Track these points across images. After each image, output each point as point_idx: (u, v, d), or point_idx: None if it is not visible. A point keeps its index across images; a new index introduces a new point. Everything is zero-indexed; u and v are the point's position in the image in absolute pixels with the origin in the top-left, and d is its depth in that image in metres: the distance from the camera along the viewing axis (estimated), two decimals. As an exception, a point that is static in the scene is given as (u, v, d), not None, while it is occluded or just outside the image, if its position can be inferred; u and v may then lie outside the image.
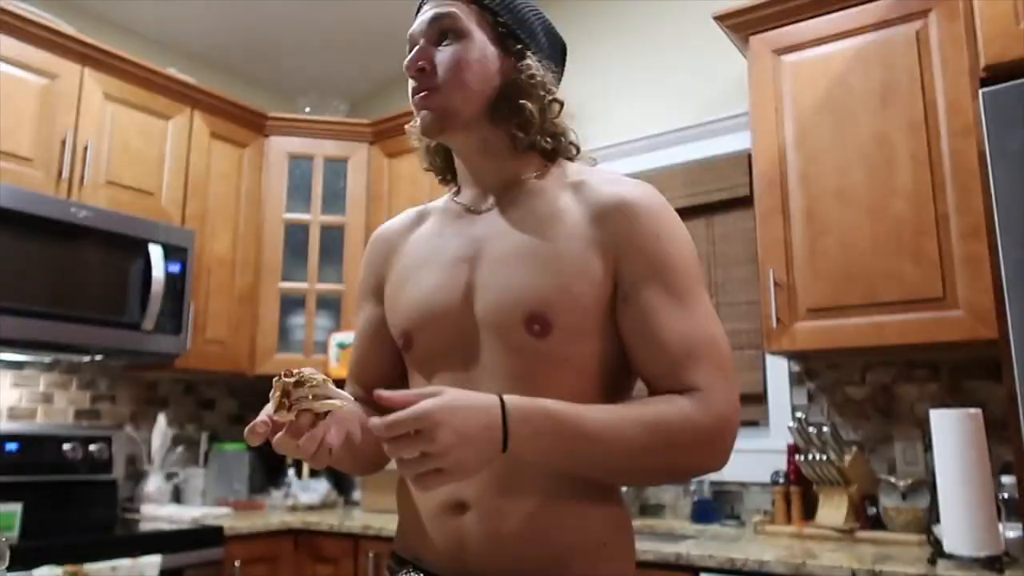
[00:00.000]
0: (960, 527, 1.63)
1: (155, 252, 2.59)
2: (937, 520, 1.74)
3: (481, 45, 1.03)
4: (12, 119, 2.39)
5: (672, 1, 2.95)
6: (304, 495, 2.95)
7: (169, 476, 2.92)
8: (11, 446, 2.50)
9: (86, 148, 2.56)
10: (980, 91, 1.60)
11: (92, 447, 2.68)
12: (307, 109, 3.48)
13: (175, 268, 2.67)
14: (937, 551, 1.67)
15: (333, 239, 3.21)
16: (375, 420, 0.78)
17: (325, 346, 3.09)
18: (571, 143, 1.10)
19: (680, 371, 0.91)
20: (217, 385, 3.32)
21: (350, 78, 3.79)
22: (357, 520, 2.58)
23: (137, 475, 2.89)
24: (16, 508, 2.21)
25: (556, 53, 1.21)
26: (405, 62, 1.04)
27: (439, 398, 0.79)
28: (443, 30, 1.03)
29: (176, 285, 2.67)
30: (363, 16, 3.35)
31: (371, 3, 3.26)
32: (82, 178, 2.55)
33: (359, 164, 3.27)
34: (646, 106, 2.97)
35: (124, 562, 2.09)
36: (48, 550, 2.02)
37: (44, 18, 2.51)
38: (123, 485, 2.81)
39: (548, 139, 1.06)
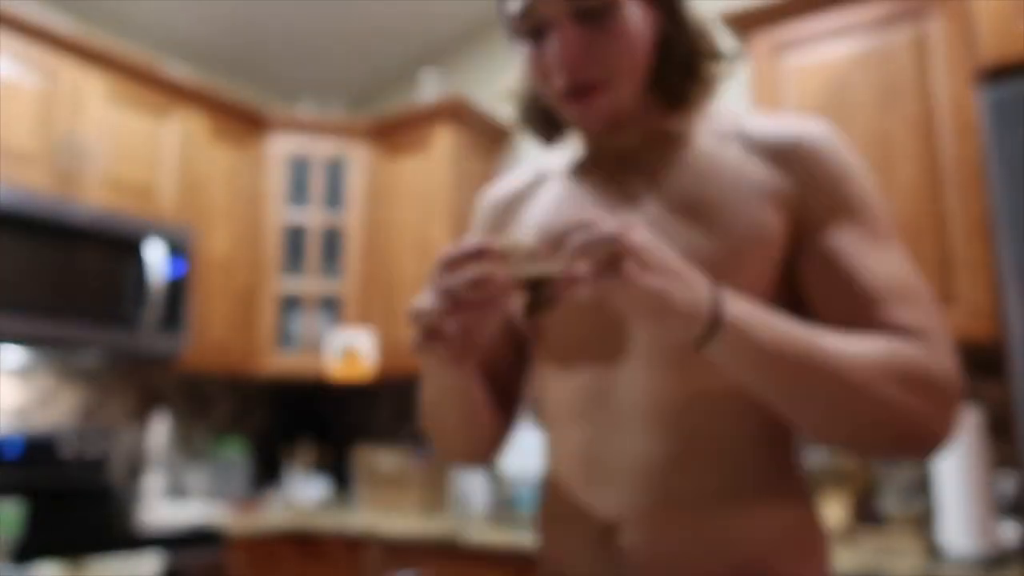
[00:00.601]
0: (959, 526, 1.63)
1: (154, 251, 2.59)
2: (936, 519, 1.75)
3: (632, 7, 0.84)
4: (11, 118, 2.39)
5: (672, 0, 2.95)
6: (304, 494, 2.95)
7: (168, 475, 2.91)
8: (11, 445, 2.50)
9: (85, 147, 2.56)
10: (981, 90, 1.60)
11: (91, 446, 2.68)
12: (306, 108, 3.48)
13: (174, 267, 2.67)
14: (937, 550, 1.67)
15: (332, 238, 3.21)
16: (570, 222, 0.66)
17: (325, 346, 3.09)
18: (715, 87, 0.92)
19: (884, 311, 0.76)
20: (216, 384, 3.31)
21: (350, 77, 3.79)
22: (357, 519, 2.58)
23: (136, 474, 2.89)
24: (16, 507, 2.21)
25: None
26: (550, 52, 0.84)
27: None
28: (588, 4, 0.82)
29: (175, 284, 2.67)
30: (363, 15, 3.35)
31: (371, 1, 3.26)
32: (81, 177, 2.54)
33: (359, 163, 3.26)
34: (646, 105, 2.97)
35: (123, 561, 2.09)
36: (47, 549, 2.02)
37: (43, 17, 2.51)
38: (122, 484, 2.80)
39: (704, 89, 0.90)
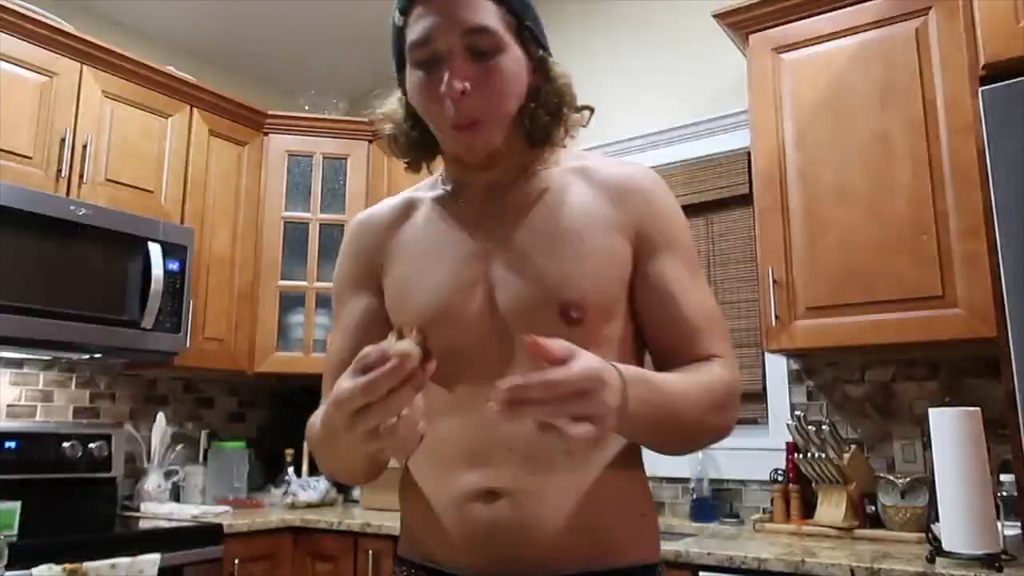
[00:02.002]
0: (959, 525, 1.63)
1: (154, 250, 2.59)
2: (936, 518, 1.75)
3: (515, 55, 0.96)
4: (11, 117, 2.39)
5: (672, 0, 2.95)
6: (303, 493, 2.95)
7: (168, 474, 2.92)
8: (10, 444, 2.50)
9: (85, 146, 2.56)
10: (980, 90, 1.60)
11: (91, 445, 2.68)
12: (306, 107, 3.48)
13: (174, 266, 2.67)
14: (936, 549, 1.67)
15: (332, 237, 3.20)
16: (524, 378, 0.70)
17: (324, 345, 3.09)
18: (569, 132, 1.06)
19: (702, 340, 0.97)
20: (216, 383, 3.31)
21: (349, 76, 3.78)
22: (356, 518, 2.59)
23: (136, 473, 2.89)
24: (15, 506, 2.21)
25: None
26: (442, 82, 0.92)
27: (591, 356, 0.74)
28: (480, 44, 0.93)
29: (175, 283, 2.67)
30: (362, 14, 3.35)
31: (370, 1, 3.26)
32: (81, 176, 2.54)
33: (358, 162, 3.27)
34: (645, 104, 2.97)
35: (123, 560, 2.09)
36: (47, 548, 2.02)
37: (43, 16, 2.51)
38: (122, 483, 2.81)
39: (566, 135, 1.03)
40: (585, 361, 0.73)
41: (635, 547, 0.97)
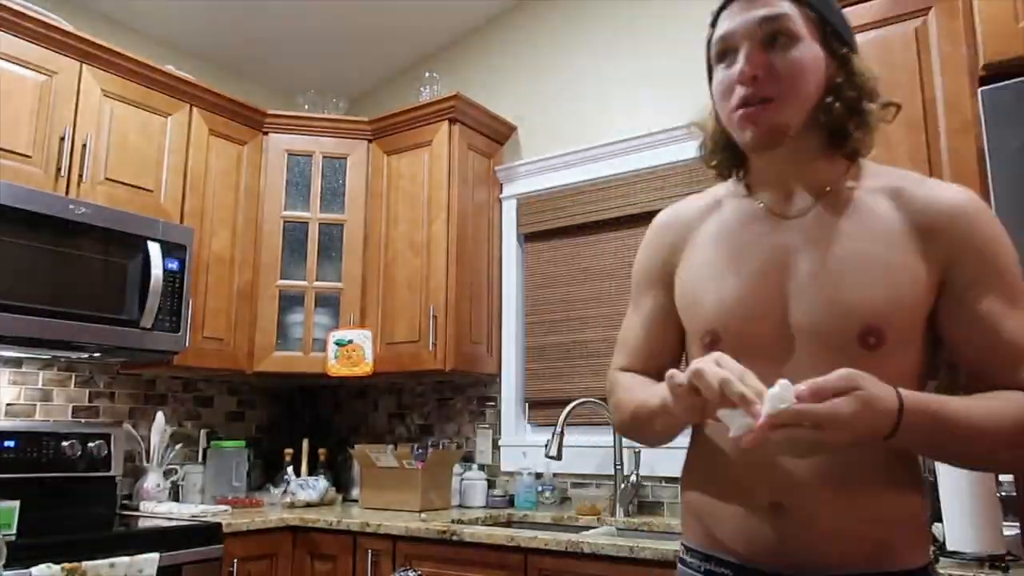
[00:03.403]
0: (963, 525, 1.63)
1: (154, 249, 2.59)
2: (938, 518, 1.75)
3: (813, 48, 1.01)
4: (10, 115, 2.39)
5: (672, 0, 2.95)
6: (302, 492, 2.95)
7: (168, 473, 2.92)
8: (9, 443, 2.50)
9: (84, 145, 2.56)
10: (979, 89, 1.60)
11: (90, 444, 2.68)
12: (306, 107, 3.48)
13: (174, 265, 2.67)
14: (939, 549, 1.67)
15: (332, 237, 3.20)
16: (805, 385, 0.82)
17: (324, 344, 3.09)
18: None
19: (1018, 370, 0.95)
20: (216, 383, 3.31)
21: (349, 75, 3.79)
22: (355, 517, 2.59)
23: (136, 472, 2.89)
24: (14, 505, 2.21)
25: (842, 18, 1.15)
26: (735, 69, 0.99)
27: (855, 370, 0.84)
28: (774, 32, 0.99)
29: (175, 282, 2.67)
30: (362, 13, 3.35)
31: (371, 1, 3.26)
32: (80, 175, 2.54)
33: (358, 162, 3.26)
34: (645, 104, 2.97)
35: (122, 559, 2.09)
36: (46, 547, 2.02)
37: (42, 14, 2.51)
38: (121, 482, 2.80)
39: (866, 135, 1.05)
40: (847, 372, 0.83)
41: (910, 553, 1.00)
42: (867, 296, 0.95)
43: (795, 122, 1.00)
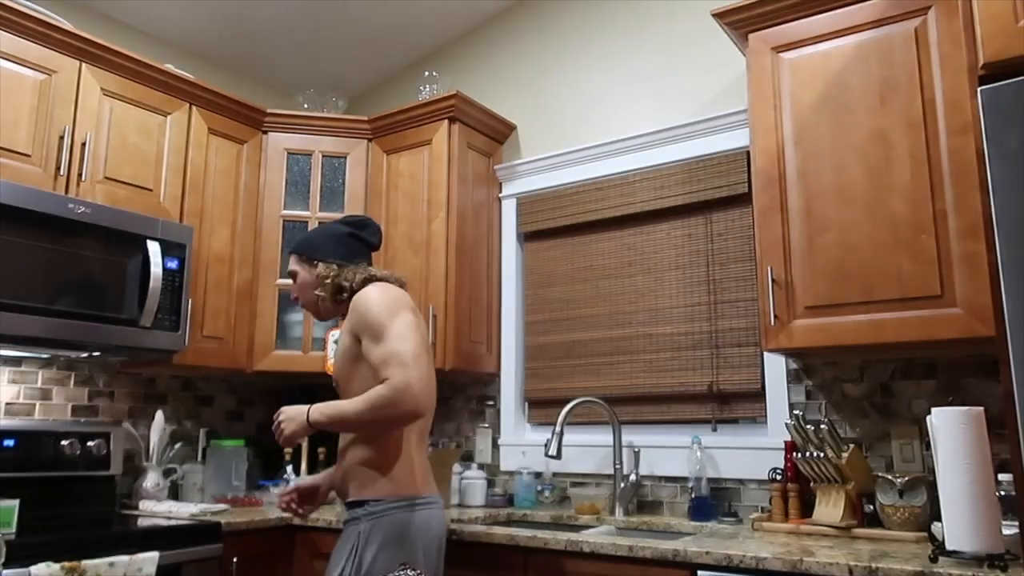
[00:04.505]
0: (963, 525, 1.63)
1: (153, 248, 2.59)
2: (936, 518, 1.74)
3: (304, 274, 2.13)
4: (10, 114, 2.39)
5: (671, 0, 2.95)
6: (302, 491, 2.94)
7: (167, 472, 2.91)
8: (8, 442, 2.50)
9: (84, 144, 2.56)
10: (979, 89, 1.60)
11: (90, 443, 2.68)
12: (305, 105, 3.48)
13: (173, 264, 2.67)
14: (939, 548, 1.67)
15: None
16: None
17: (323, 343, 3.09)
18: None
19: (381, 373, 1.81)
20: (215, 381, 3.31)
21: (348, 74, 3.79)
22: (355, 517, 2.58)
23: (135, 471, 2.89)
24: (13, 504, 2.21)
25: (340, 244, 2.12)
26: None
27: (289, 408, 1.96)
28: (291, 274, 2.17)
29: (174, 281, 2.67)
30: (361, 12, 3.35)
31: (371, 1, 3.26)
32: (80, 174, 2.54)
33: (357, 160, 3.26)
34: (645, 103, 2.97)
35: (122, 558, 2.09)
36: (45, 546, 2.02)
37: (42, 13, 2.50)
38: (121, 481, 2.81)
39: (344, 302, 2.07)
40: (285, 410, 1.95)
41: (362, 489, 1.94)
42: (338, 366, 2.04)
43: (318, 308, 2.14)
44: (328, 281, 2.05)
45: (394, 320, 1.86)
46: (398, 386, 1.76)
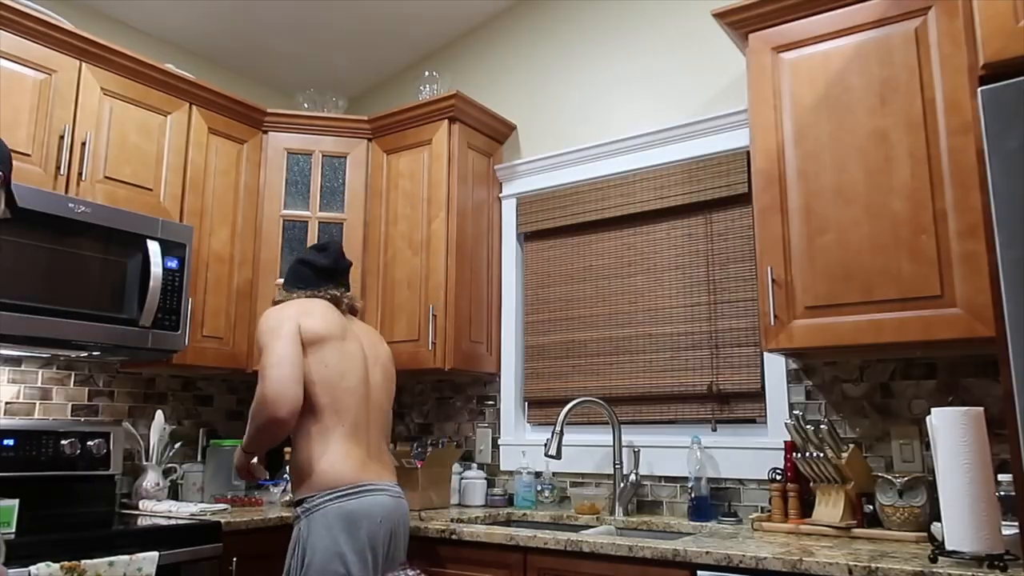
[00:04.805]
0: (963, 525, 1.63)
1: (153, 248, 2.59)
2: (936, 518, 1.74)
3: None
4: (10, 114, 2.39)
5: (671, 0, 2.95)
6: (302, 491, 2.94)
7: (167, 472, 2.91)
8: (8, 442, 2.49)
9: (84, 143, 2.56)
10: (979, 89, 1.60)
11: (90, 443, 2.68)
12: (305, 105, 3.48)
13: (173, 264, 2.67)
14: (939, 549, 1.67)
15: (331, 236, 3.20)
16: None
17: (323, 342, 3.08)
18: None
19: None
20: (215, 381, 3.31)
21: (348, 74, 3.79)
22: (355, 516, 2.58)
23: (135, 471, 2.89)
24: (13, 504, 2.21)
25: (291, 272, 2.33)
26: None
27: None
28: None
29: (174, 281, 2.67)
30: (361, 12, 3.35)
31: (371, 1, 3.26)
32: (80, 173, 2.54)
33: (357, 160, 3.26)
34: (645, 103, 2.97)
35: (122, 558, 2.08)
36: (45, 546, 2.02)
37: (42, 12, 2.50)
38: (121, 481, 2.80)
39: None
40: None
41: (298, 488, 2.07)
42: None
43: None
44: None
45: (269, 336, 2.05)
46: (256, 399, 1.99)
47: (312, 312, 2.14)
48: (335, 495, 1.99)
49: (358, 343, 2.23)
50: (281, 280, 2.35)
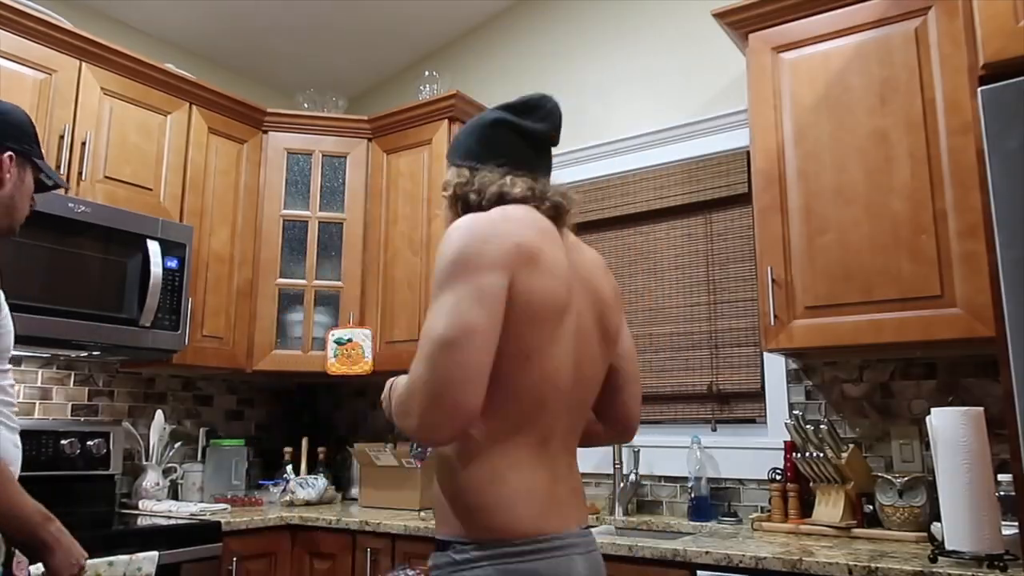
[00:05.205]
0: (963, 525, 1.63)
1: (153, 248, 2.59)
2: (936, 518, 1.74)
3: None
4: (10, 114, 2.38)
5: (671, 0, 2.95)
6: (302, 491, 2.95)
7: (167, 472, 2.91)
8: (8, 441, 2.49)
9: (84, 143, 2.56)
10: (979, 89, 1.60)
11: (89, 443, 2.68)
12: (305, 105, 3.47)
13: (173, 264, 2.67)
14: (938, 548, 1.67)
15: (331, 235, 3.20)
16: None
17: (323, 343, 3.09)
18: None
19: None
20: (215, 381, 3.31)
21: (348, 74, 3.78)
22: (354, 516, 2.59)
23: (135, 471, 2.89)
24: (13, 503, 2.21)
25: (481, 137, 1.38)
26: None
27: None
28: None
29: (174, 281, 2.67)
30: (361, 12, 3.35)
31: (371, 1, 3.26)
32: (80, 173, 2.54)
33: (357, 160, 3.26)
34: (645, 103, 2.97)
35: (122, 557, 2.08)
36: (45, 545, 2.02)
37: (42, 12, 2.50)
38: (121, 481, 2.80)
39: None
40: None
41: (440, 527, 1.28)
42: None
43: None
44: (447, 194, 1.38)
45: (454, 277, 1.18)
46: (410, 388, 1.21)
47: (542, 252, 1.23)
48: (505, 553, 1.19)
49: (578, 303, 1.32)
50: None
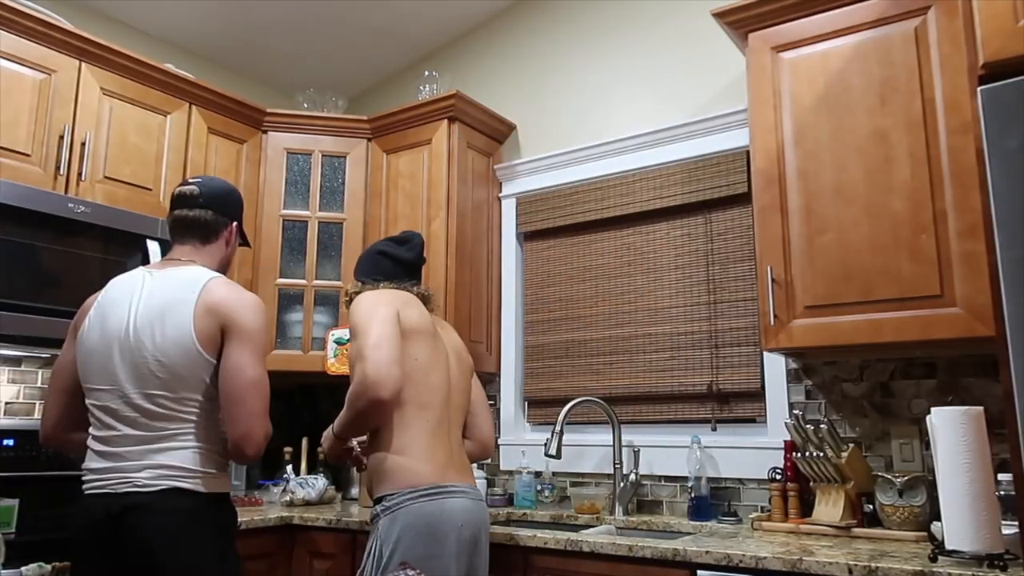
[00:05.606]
0: (962, 524, 1.63)
1: (153, 248, 2.59)
2: (936, 517, 1.74)
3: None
4: (9, 114, 2.39)
5: (670, 0, 2.95)
6: (301, 491, 2.95)
7: (167, 472, 2.91)
8: (8, 442, 2.49)
9: (84, 143, 2.55)
10: (979, 89, 1.60)
11: (89, 443, 2.67)
12: (305, 105, 3.48)
13: (173, 264, 2.66)
14: (938, 548, 1.67)
15: (331, 235, 3.20)
16: None
17: (323, 343, 3.09)
18: None
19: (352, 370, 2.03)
20: (215, 381, 3.31)
21: (348, 74, 3.79)
22: (354, 516, 2.59)
23: (135, 471, 2.88)
24: (13, 504, 2.21)
25: (370, 262, 2.25)
26: None
27: None
28: None
29: (174, 281, 2.66)
30: (361, 12, 3.35)
31: (371, 1, 3.26)
32: (80, 173, 2.54)
33: (357, 160, 3.26)
34: (645, 103, 2.97)
35: (122, 558, 2.08)
36: (45, 545, 2.02)
37: (42, 12, 2.50)
38: (120, 481, 2.80)
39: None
40: None
41: (378, 485, 1.97)
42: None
43: None
44: (346, 298, 2.20)
45: (368, 318, 1.96)
46: (356, 381, 1.89)
47: (409, 303, 2.08)
48: (416, 494, 1.89)
49: (443, 341, 2.15)
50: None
